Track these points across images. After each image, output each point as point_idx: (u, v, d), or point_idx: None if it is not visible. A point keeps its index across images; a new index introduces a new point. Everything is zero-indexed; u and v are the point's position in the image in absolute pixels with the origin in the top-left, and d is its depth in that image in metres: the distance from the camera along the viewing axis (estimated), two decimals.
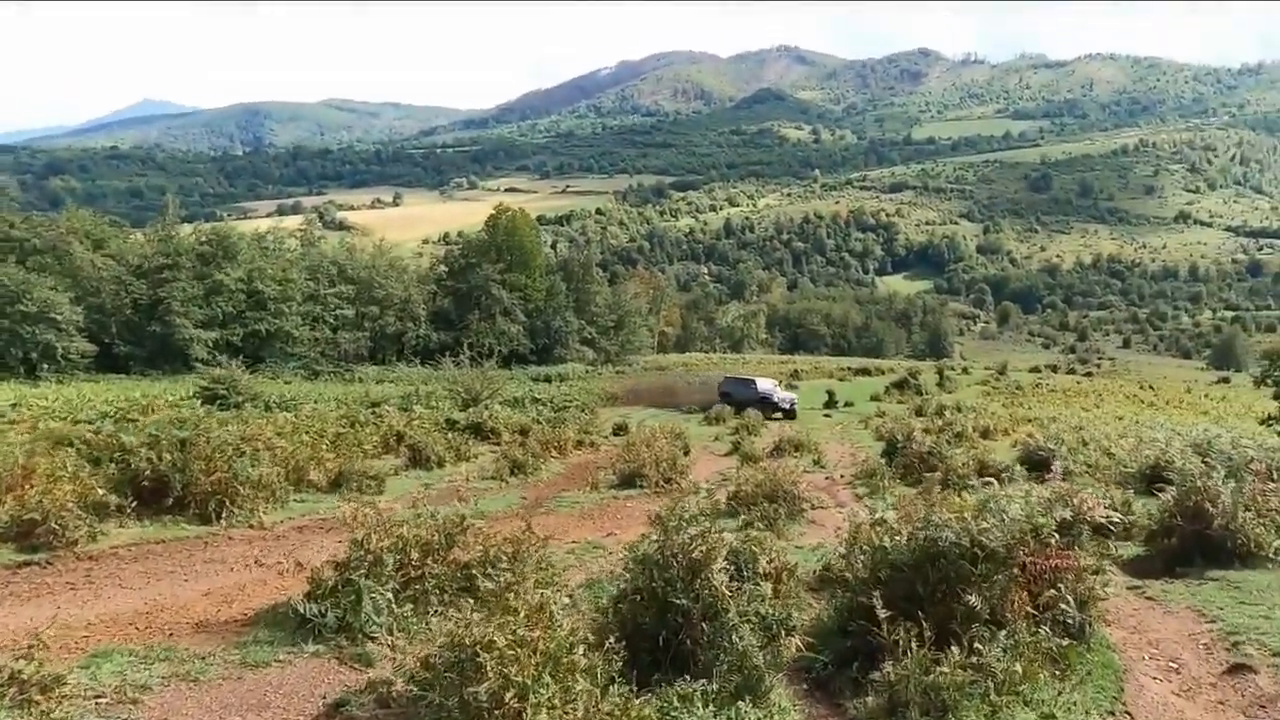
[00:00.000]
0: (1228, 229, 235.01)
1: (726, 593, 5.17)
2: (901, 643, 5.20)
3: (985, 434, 28.95)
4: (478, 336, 60.97)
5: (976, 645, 5.29)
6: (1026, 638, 5.49)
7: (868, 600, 5.55)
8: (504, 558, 6.77)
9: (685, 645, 5.15)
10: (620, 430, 27.74)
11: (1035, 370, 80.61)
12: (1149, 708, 5.97)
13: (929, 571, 5.74)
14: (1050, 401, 47.49)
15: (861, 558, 6.20)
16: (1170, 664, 6.66)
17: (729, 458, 22.81)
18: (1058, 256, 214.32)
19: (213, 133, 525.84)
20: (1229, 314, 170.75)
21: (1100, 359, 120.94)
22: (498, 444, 22.76)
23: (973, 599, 5.48)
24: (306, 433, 19.36)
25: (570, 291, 69.37)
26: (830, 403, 39.80)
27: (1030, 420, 33.79)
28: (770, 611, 5.40)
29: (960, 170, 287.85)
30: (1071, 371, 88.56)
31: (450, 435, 22.10)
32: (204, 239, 52.23)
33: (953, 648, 5.31)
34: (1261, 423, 26.10)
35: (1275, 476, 11.89)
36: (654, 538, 5.72)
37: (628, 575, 5.69)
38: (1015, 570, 5.79)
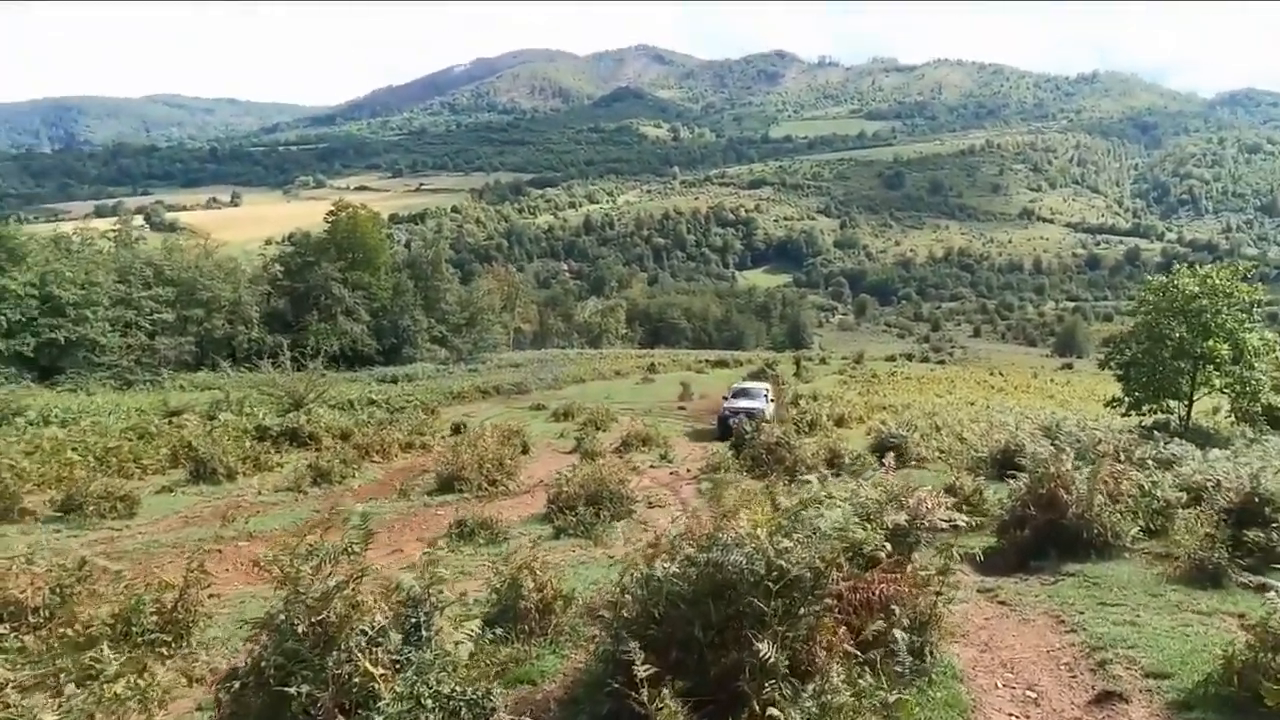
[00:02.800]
0: (1068, 225, 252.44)
1: (375, 670, 3.31)
2: (662, 714, 3.52)
3: (840, 422, 28.66)
4: (316, 338, 57.04)
5: (771, 711, 3.67)
6: (841, 691, 3.91)
7: (626, 651, 3.85)
8: (152, 615, 4.76)
9: None
10: (458, 430, 25.55)
11: (891, 359, 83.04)
12: None
13: (711, 608, 4.11)
14: (905, 389, 48.40)
15: (635, 590, 4.50)
16: (1028, 693, 5.35)
17: (573, 455, 21.31)
18: (911, 251, 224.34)
19: (14, 129, 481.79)
20: (1070, 304, 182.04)
21: (953, 348, 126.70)
22: (317, 450, 20.58)
23: (764, 646, 3.86)
24: (73, 449, 17.12)
25: (419, 289, 66.11)
26: (685, 395, 38.77)
27: (885, 408, 33.92)
28: (455, 690, 3.56)
29: (817, 168, 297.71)
30: (925, 360, 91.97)
31: (252, 444, 19.79)
32: None
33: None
34: (1106, 405, 26.60)
35: (1123, 458, 11.16)
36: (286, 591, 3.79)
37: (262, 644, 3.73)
38: (829, 601, 4.20)
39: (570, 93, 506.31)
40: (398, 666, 3.49)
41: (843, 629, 4.23)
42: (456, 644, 3.81)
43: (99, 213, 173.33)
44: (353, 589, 3.75)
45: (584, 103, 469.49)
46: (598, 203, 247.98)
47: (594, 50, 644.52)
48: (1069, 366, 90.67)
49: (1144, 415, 24.14)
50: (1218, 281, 23.15)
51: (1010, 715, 5.08)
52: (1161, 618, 6.49)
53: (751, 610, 4.01)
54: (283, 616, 3.55)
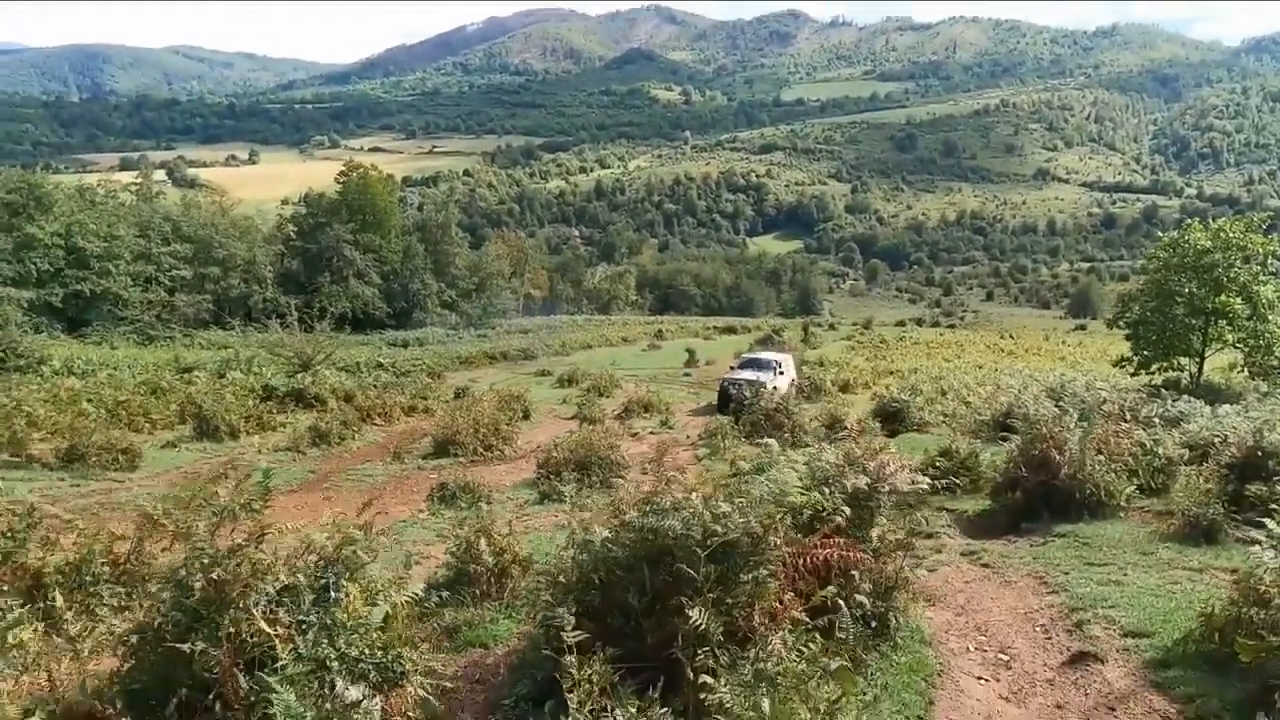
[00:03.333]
0: (1084, 184, 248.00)
1: (272, 630, 3.25)
2: (582, 684, 3.47)
3: (845, 388, 28.56)
4: (328, 300, 57.10)
5: (704, 679, 3.60)
6: (784, 658, 3.82)
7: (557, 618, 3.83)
8: (104, 566, 4.75)
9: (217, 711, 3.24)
10: (462, 394, 25.58)
11: (900, 324, 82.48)
12: None
13: (646, 574, 4.03)
14: (913, 354, 48.03)
15: (576, 555, 4.43)
16: (1000, 656, 5.27)
17: (574, 421, 21.28)
18: (923, 214, 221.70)
19: (43, 74, 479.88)
20: (1085, 265, 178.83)
21: (964, 312, 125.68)
22: (322, 412, 20.68)
23: (695, 613, 3.77)
24: (88, 400, 17.38)
25: (429, 253, 65.82)
26: (690, 362, 38.59)
27: (891, 373, 33.71)
28: (364, 653, 3.51)
29: (828, 131, 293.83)
30: (936, 325, 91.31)
31: (256, 404, 19.84)
32: (10, 187, 46.19)
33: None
34: (1114, 365, 26.36)
35: (1128, 417, 11.01)
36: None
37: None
38: (772, 566, 4.10)
39: (582, 54, 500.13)
40: (303, 628, 3.42)
41: (790, 595, 4.13)
42: (371, 607, 3.70)
43: (124, 165, 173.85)
44: (255, 547, 3.65)
45: (596, 64, 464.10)
46: (609, 167, 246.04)
47: (606, 10, 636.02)
48: (1082, 328, 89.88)
49: (1154, 374, 23.91)
50: (1230, 235, 22.76)
51: (980, 679, 5.01)
52: (1149, 576, 6.39)
53: (687, 577, 3.91)
54: (182, 572, 3.49)
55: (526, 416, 21.93)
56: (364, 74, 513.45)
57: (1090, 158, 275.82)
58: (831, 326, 73.67)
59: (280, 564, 3.72)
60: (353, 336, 52.29)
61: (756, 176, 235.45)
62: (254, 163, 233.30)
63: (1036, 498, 8.59)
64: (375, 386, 25.72)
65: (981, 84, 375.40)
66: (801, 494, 4.50)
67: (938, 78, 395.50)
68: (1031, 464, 8.61)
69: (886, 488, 5.05)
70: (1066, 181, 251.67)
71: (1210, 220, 24.63)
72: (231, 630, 3.25)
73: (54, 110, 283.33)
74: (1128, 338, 24.92)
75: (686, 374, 35.62)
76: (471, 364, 39.44)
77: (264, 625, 3.25)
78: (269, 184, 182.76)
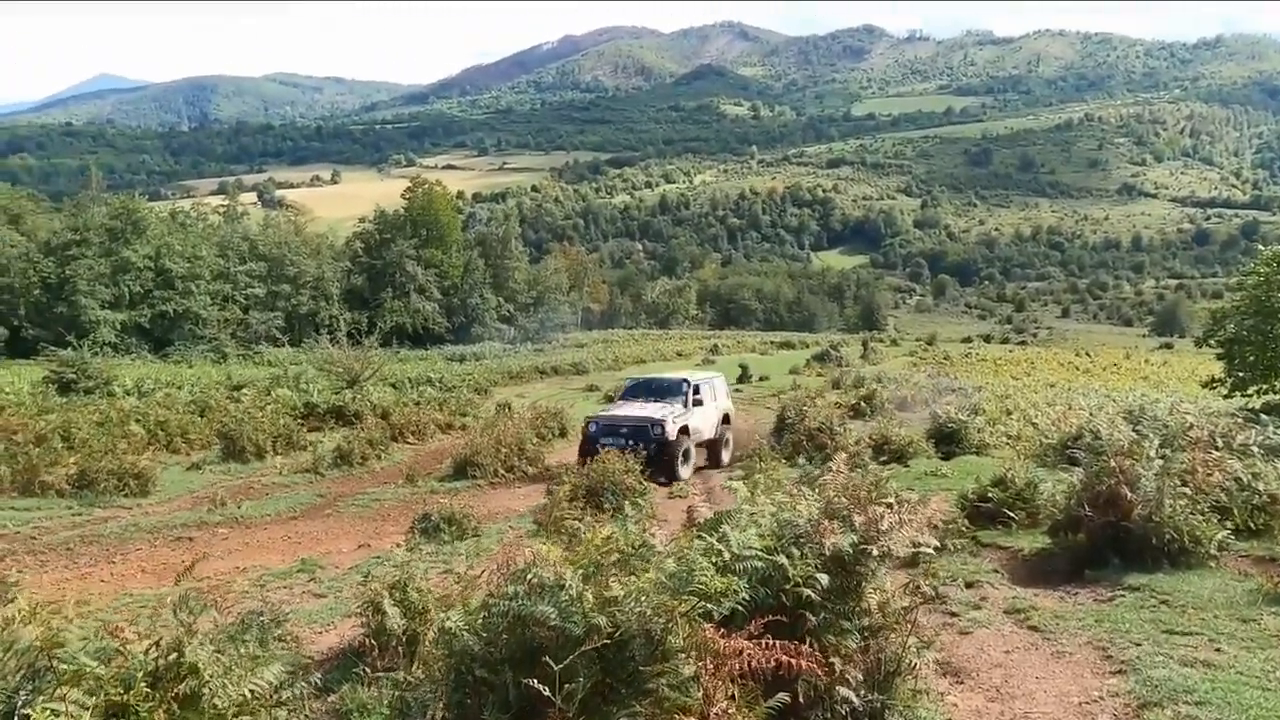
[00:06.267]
0: (1173, 200, 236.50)
1: None
2: None
3: (902, 406, 26.96)
4: (390, 315, 57.68)
5: None
6: None
7: None
8: None
9: None
10: (502, 411, 24.81)
11: (966, 340, 79.57)
12: None
13: (509, 681, 2.95)
14: (978, 371, 45.84)
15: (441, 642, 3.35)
16: None
17: None
18: (996, 230, 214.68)
19: (162, 108, 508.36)
20: (1173, 282, 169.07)
21: (1037, 329, 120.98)
22: (361, 429, 20.25)
23: None
24: (136, 420, 17.34)
25: (489, 267, 66.16)
26: (743, 377, 37.29)
27: (955, 390, 31.90)
28: None
29: (899, 146, 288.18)
30: (1005, 341, 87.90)
31: (286, 422, 19.30)
32: (113, 214, 48.35)
33: None
34: (1204, 386, 24.22)
35: (1220, 444, 9.43)
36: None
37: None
38: (683, 675, 2.97)
39: (652, 70, 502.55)
40: None
41: (725, 703, 3.00)
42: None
43: (222, 189, 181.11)
44: None
45: (666, 80, 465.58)
46: (674, 182, 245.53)
47: (679, 27, 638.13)
48: (1168, 346, 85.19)
49: (1250, 396, 21.79)
50: None
51: None
52: (1251, 656, 4.91)
53: (564, 689, 2.85)
54: None
55: (563, 434, 21.04)
56: (441, 93, 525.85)
57: (1183, 172, 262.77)
58: (894, 342, 71.42)
59: None
60: (412, 351, 52.61)
61: (823, 191, 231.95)
62: (335, 182, 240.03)
63: (1103, 540, 7.23)
64: (416, 403, 25.11)
65: (1065, 98, 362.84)
66: (719, 579, 3.29)
67: (1017, 92, 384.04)
68: (1096, 501, 7.25)
69: (878, 550, 3.85)
70: (1155, 196, 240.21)
71: None
72: None
73: (166, 140, 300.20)
74: (1220, 357, 22.85)
75: (738, 389, 34.39)
76: (521, 379, 38.89)
77: None
78: (347, 203, 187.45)
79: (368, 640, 4.88)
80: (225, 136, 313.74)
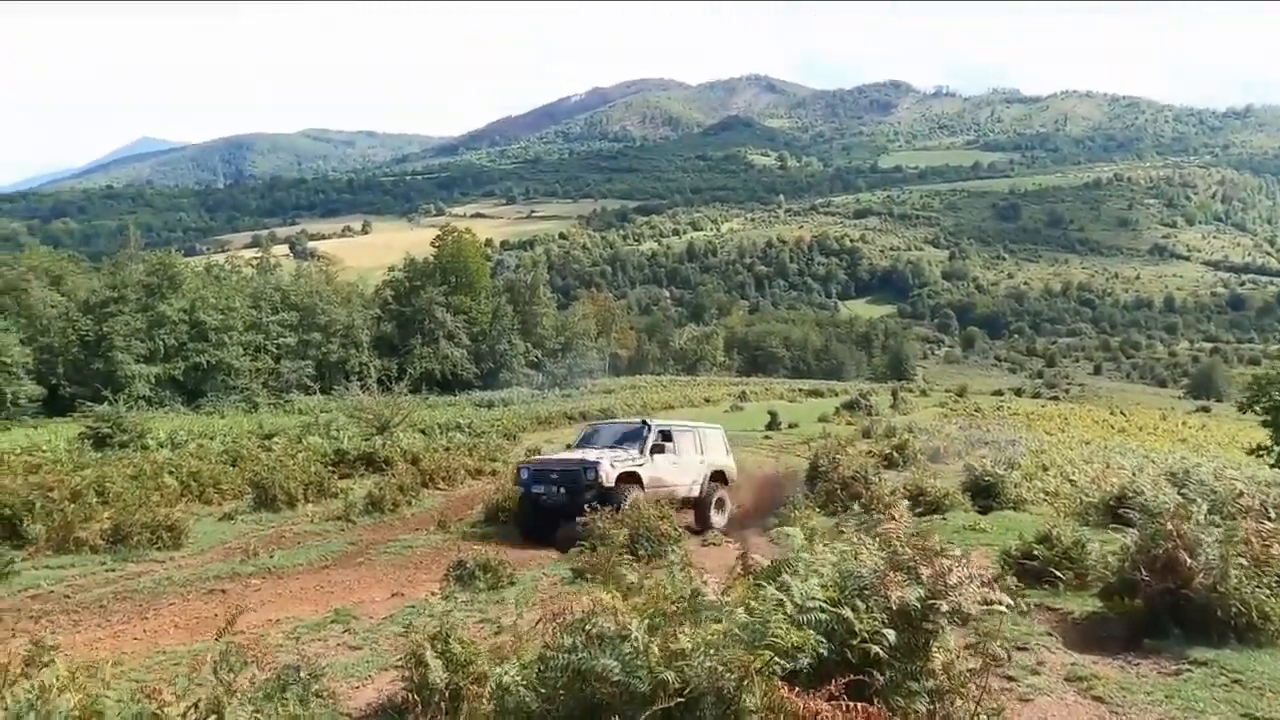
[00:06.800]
0: (1206, 263, 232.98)
1: None
2: None
3: (934, 457, 26.57)
4: (419, 361, 58.19)
5: None
6: None
7: None
8: None
9: None
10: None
11: (997, 393, 78.58)
12: None
13: None
14: (1011, 424, 45.16)
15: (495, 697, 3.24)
16: None
17: None
18: (1025, 284, 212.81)
19: (199, 166, 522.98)
20: (1208, 345, 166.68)
21: (1069, 384, 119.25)
22: (391, 475, 20.25)
23: None
24: (169, 472, 17.32)
25: (517, 314, 66.75)
26: (772, 424, 37.08)
27: (987, 443, 31.41)
28: None
29: (926, 198, 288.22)
30: (1037, 395, 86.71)
31: (318, 469, 19.27)
32: (150, 270, 49.65)
33: None
34: (1250, 453, 23.56)
35: (1273, 515, 9.07)
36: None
37: None
38: None
39: (680, 121, 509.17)
40: None
41: None
42: None
43: (254, 242, 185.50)
44: None
45: (693, 130, 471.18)
46: (701, 230, 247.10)
47: (706, 79, 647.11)
48: (1205, 410, 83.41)
49: None
50: None
51: None
52: None
53: None
54: None
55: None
56: (471, 144, 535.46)
57: (1216, 236, 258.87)
58: (923, 392, 70.70)
59: None
60: (441, 397, 52.93)
61: (850, 241, 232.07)
62: (366, 232, 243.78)
63: (1161, 608, 6.94)
64: (446, 448, 25.10)
65: (1093, 157, 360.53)
66: (795, 628, 3.18)
67: (1045, 149, 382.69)
68: (1153, 566, 6.99)
69: (947, 605, 3.70)
70: (1187, 259, 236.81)
71: None
72: None
73: (202, 198, 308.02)
74: (1267, 424, 22.29)
75: (767, 437, 34.21)
76: (550, 424, 38.87)
77: None
78: (377, 252, 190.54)
79: (410, 695, 4.67)
80: (259, 192, 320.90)
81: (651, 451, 13.99)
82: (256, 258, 73.19)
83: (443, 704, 4.53)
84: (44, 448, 22.38)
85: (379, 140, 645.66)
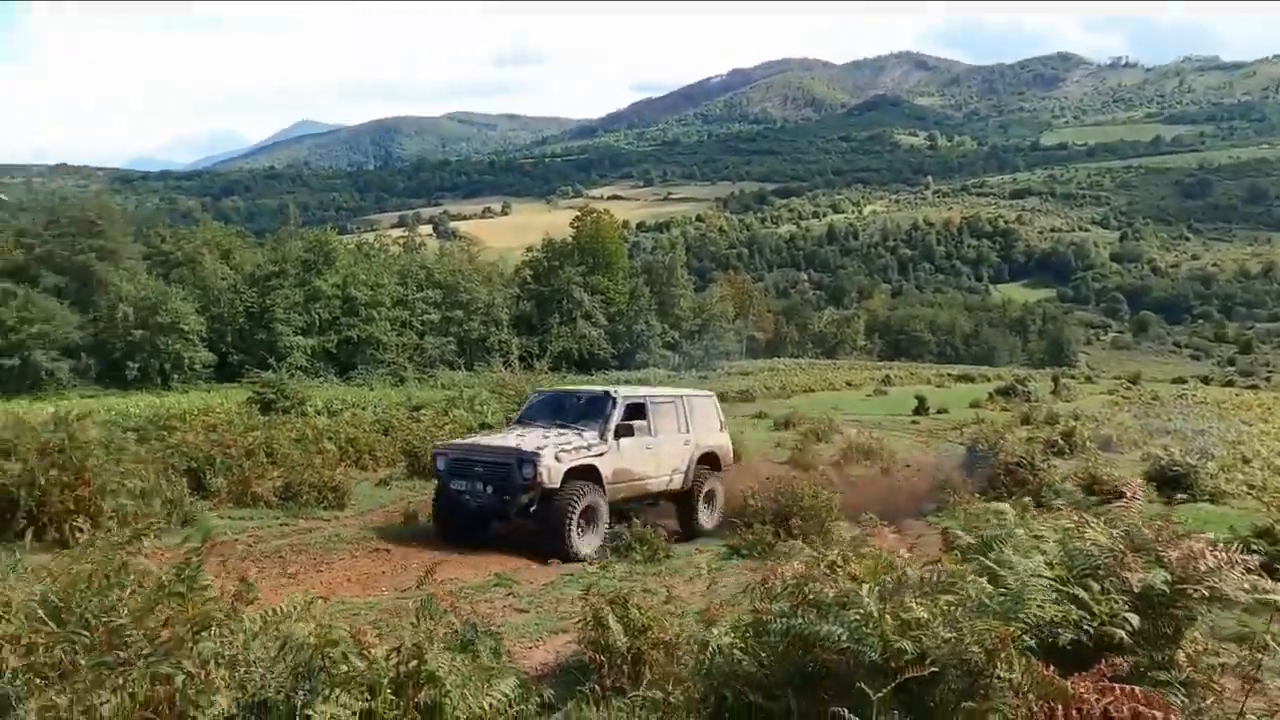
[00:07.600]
0: None
1: None
2: None
3: (1106, 446, 24.39)
4: (556, 340, 59.17)
5: None
6: None
7: None
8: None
9: None
10: None
11: (1179, 380, 72.16)
12: None
13: (793, 707, 2.46)
14: (1199, 414, 41.03)
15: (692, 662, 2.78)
16: None
17: (786, 465, 19.33)
18: (1214, 265, 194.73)
19: (351, 149, 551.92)
20: None
21: (1269, 373, 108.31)
22: None
23: None
24: (328, 438, 18.08)
25: (654, 295, 66.79)
26: (920, 409, 35.19)
27: (1169, 432, 28.62)
28: None
29: (1095, 176, 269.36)
30: (1230, 384, 78.93)
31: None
32: (307, 246, 53.06)
33: None
34: None
35: None
36: None
37: None
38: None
39: (823, 101, 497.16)
40: None
41: None
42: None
43: (402, 222, 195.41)
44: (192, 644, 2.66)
45: (837, 111, 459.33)
46: (842, 212, 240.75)
47: (852, 58, 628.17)
48: None
49: None
50: None
51: None
52: None
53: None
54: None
55: (736, 459, 20.31)
56: (609, 127, 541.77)
57: None
58: (1089, 379, 65.88)
59: (221, 679, 2.59)
60: (578, 376, 53.56)
61: (1005, 222, 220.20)
62: (506, 213, 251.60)
63: None
64: None
65: None
66: (1055, 602, 2.50)
67: (1248, 119, 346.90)
68: None
69: (1200, 591, 2.92)
70: None
71: None
72: None
73: (354, 179, 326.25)
74: None
75: (915, 421, 32.48)
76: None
77: None
78: (516, 233, 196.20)
79: (595, 656, 4.80)
80: (406, 173, 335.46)
81: (617, 435, 10.54)
82: (403, 237, 76.65)
83: (624, 666, 4.64)
84: (218, 410, 23.84)
85: (520, 123, 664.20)
